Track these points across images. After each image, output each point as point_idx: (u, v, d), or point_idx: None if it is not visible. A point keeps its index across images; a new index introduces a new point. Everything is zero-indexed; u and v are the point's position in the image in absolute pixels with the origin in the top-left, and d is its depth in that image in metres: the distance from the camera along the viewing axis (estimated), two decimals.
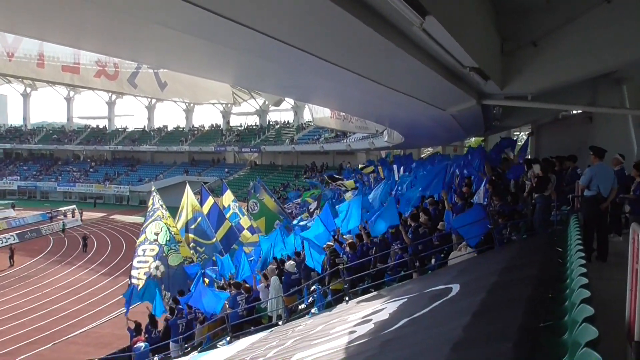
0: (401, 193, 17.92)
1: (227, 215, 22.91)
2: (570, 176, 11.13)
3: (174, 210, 21.07)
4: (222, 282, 16.40)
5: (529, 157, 19.50)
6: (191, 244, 19.66)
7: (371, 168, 31.81)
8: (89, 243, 41.83)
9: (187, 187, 21.26)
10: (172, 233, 18.98)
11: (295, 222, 23.34)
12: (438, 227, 11.80)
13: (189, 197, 20.60)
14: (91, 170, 74.75)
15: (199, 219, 20.21)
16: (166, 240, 18.61)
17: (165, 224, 19.07)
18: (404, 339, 5.77)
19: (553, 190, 10.19)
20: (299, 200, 36.86)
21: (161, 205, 19.74)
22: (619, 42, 9.76)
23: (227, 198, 25.00)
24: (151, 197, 20.48)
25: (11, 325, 23.86)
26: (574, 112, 19.15)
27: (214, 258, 19.53)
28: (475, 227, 10.27)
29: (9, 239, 43.97)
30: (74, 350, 20.71)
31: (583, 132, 16.01)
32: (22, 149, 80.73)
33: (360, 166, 32.40)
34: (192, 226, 20.10)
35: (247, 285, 14.15)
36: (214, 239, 20.12)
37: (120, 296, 21.35)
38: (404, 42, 7.65)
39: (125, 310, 16.74)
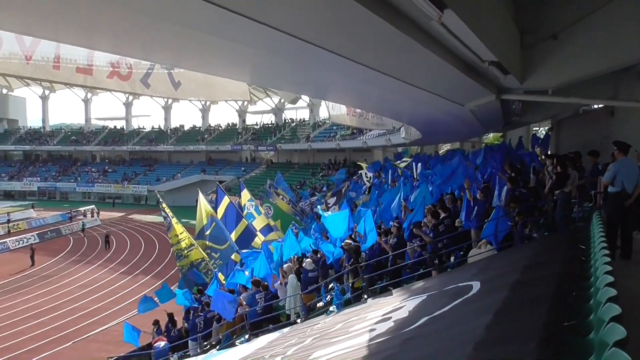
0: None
1: (244, 214, 22.97)
2: (591, 172, 10.95)
3: (191, 210, 21.35)
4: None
5: (549, 152, 19.26)
6: (206, 251, 19.77)
7: (406, 159, 31.32)
8: (110, 241, 42.34)
9: (200, 194, 21.36)
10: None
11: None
12: (456, 224, 11.70)
13: (201, 204, 20.72)
14: (109, 170, 75.58)
15: (214, 224, 20.30)
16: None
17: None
18: (425, 337, 5.70)
19: (574, 186, 10.03)
20: (312, 199, 36.88)
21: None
22: None
23: (244, 197, 25.07)
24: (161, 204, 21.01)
25: (32, 324, 24.22)
26: (595, 106, 18.82)
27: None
28: (493, 225, 10.18)
29: (29, 239, 44.70)
30: (94, 349, 20.96)
31: (604, 127, 15.73)
32: (42, 151, 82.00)
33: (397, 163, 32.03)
34: (207, 232, 20.19)
35: (264, 283, 14.16)
36: (228, 242, 20.17)
37: (141, 294, 21.61)
38: (422, 37, 7.57)
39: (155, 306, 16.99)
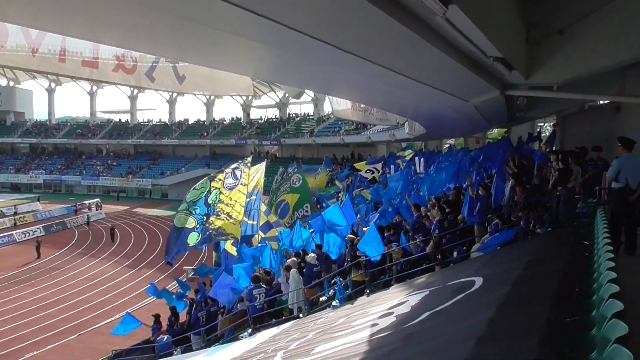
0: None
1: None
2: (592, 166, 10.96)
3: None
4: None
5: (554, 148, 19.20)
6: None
7: (410, 152, 31.29)
8: (115, 234, 42.53)
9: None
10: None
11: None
12: (459, 218, 11.72)
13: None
14: (114, 164, 75.80)
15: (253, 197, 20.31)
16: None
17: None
18: (427, 332, 5.71)
19: (578, 182, 10.00)
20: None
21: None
22: None
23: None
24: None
25: (38, 316, 24.42)
26: (601, 102, 18.73)
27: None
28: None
29: (35, 231, 44.98)
30: (99, 341, 21.11)
31: (610, 123, 15.67)
32: (47, 144, 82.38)
33: (400, 153, 31.86)
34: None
35: (267, 277, 14.19)
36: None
37: (145, 286, 21.69)
38: (426, 33, 7.54)
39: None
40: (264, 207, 22.85)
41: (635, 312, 4.02)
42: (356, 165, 33.79)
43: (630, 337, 3.10)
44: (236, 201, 18.60)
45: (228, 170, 19.46)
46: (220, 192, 18.32)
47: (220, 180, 18.61)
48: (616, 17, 9.79)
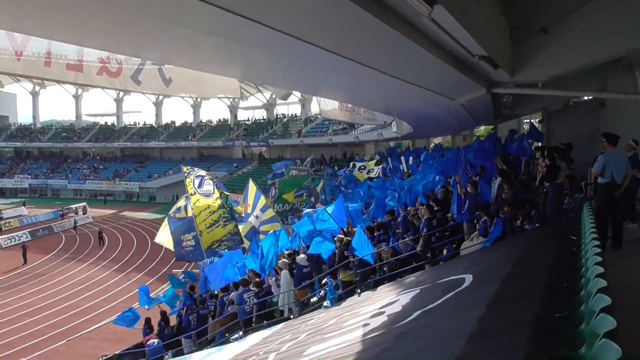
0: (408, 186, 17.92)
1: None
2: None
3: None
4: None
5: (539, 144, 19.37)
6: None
7: (374, 161, 31.52)
8: (103, 238, 42.30)
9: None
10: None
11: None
12: (448, 216, 11.78)
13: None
14: (101, 167, 75.17)
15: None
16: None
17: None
18: (418, 331, 5.74)
19: (565, 177, 10.10)
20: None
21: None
22: (630, 27, 9.59)
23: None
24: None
25: (26, 322, 24.15)
26: (586, 98, 18.92)
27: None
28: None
29: (21, 236, 44.41)
30: (89, 346, 20.94)
31: (595, 118, 15.82)
32: (32, 147, 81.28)
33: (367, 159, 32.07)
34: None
35: (257, 280, 14.16)
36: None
37: (134, 291, 21.64)
38: (413, 33, 7.57)
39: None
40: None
41: (623, 306, 4.07)
42: (355, 174, 33.73)
43: (618, 331, 3.13)
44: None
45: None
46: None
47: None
48: (598, 15, 9.93)
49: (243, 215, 21.79)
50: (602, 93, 14.10)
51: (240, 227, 20.87)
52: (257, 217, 20.78)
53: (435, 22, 6.67)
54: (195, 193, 20.47)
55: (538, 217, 10.68)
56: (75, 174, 73.83)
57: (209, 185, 20.92)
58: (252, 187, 21.97)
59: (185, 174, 21.70)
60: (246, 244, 20.20)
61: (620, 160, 8.05)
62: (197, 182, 20.83)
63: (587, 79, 13.96)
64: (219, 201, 20.67)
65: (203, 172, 22.55)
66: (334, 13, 6.39)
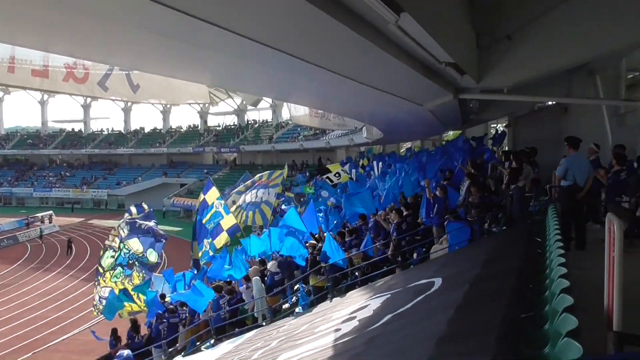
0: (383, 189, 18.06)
1: (209, 214, 22.76)
2: None
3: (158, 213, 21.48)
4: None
5: (506, 148, 19.81)
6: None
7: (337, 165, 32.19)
8: (72, 247, 41.36)
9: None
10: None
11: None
12: (418, 221, 11.91)
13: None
14: (68, 174, 73.60)
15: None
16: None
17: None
18: (389, 335, 5.79)
19: (529, 181, 10.33)
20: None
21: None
22: (591, 35, 9.89)
23: (213, 195, 24.58)
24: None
25: None
26: (550, 103, 19.40)
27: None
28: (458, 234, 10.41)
29: None
30: (56, 358, 20.46)
31: (559, 123, 16.24)
32: None
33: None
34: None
35: (229, 287, 14.05)
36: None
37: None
38: (380, 40, 7.66)
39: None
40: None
41: (585, 306, 4.18)
42: (329, 166, 33.87)
43: (580, 330, 3.21)
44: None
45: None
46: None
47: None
48: (560, 22, 10.20)
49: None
50: (566, 98, 14.49)
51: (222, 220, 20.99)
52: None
53: (403, 29, 6.76)
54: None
55: (505, 220, 10.89)
56: (41, 182, 72.15)
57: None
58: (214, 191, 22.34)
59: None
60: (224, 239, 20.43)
61: (582, 163, 8.29)
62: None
63: (552, 84, 14.33)
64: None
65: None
66: (300, 20, 6.40)
